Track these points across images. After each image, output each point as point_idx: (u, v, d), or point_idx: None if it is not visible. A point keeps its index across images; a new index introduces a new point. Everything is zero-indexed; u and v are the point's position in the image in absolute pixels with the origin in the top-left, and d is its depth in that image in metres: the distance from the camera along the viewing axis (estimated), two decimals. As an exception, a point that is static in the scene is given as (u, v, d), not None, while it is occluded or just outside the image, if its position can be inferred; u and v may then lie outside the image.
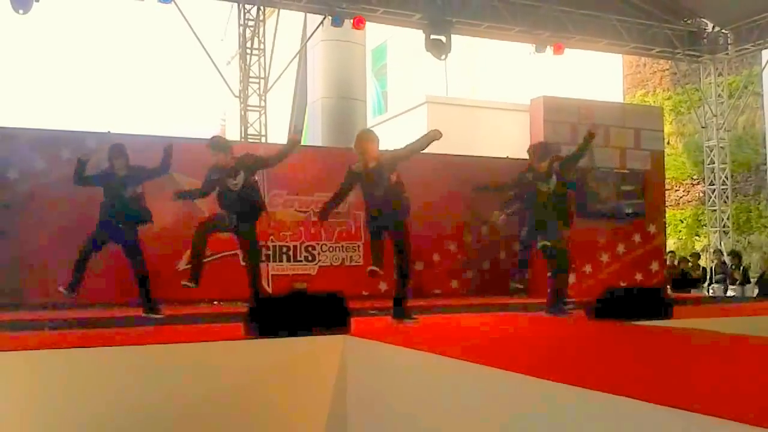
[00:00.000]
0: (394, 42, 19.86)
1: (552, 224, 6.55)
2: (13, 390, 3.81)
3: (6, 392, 3.78)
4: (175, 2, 10.52)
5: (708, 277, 13.24)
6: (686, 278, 12.53)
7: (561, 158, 6.89)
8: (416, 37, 12.51)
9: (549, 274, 6.81)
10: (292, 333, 4.53)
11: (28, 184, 8.48)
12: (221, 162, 6.54)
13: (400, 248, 5.87)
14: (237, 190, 6.48)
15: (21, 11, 9.56)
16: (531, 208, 6.58)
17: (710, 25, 14.33)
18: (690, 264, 13.12)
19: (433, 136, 5.65)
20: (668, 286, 11.70)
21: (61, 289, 6.67)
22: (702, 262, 13.54)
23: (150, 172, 6.89)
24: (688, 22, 14.27)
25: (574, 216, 6.97)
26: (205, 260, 6.78)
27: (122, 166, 6.81)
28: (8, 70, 8.47)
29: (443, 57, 12.30)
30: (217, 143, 6.70)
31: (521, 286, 7.27)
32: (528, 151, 6.84)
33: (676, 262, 13.02)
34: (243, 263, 6.84)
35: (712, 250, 14.10)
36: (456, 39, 12.32)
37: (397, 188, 5.84)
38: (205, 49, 11.18)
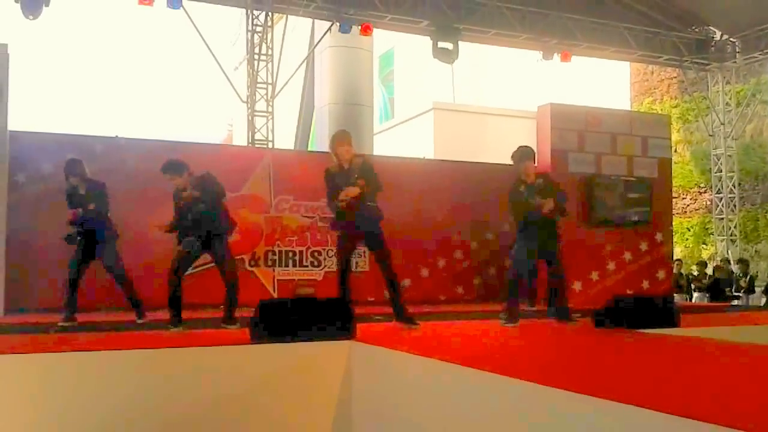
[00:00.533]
0: (401, 48, 19.90)
1: (551, 236, 6.48)
2: (23, 392, 3.82)
3: (16, 394, 3.79)
4: (183, 8, 10.57)
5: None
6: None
7: (549, 180, 6.78)
8: (423, 43, 12.53)
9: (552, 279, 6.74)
10: (298, 338, 4.54)
11: (36, 187, 8.51)
12: (179, 185, 6.30)
13: (382, 255, 5.98)
14: (199, 210, 6.23)
15: (31, 17, 9.63)
16: (529, 226, 6.42)
17: (718, 33, 14.32)
18: (696, 273, 13.07)
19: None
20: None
21: (60, 324, 6.43)
22: (708, 271, 13.47)
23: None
24: (696, 30, 14.25)
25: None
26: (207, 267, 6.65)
27: (79, 182, 6.76)
28: (19, 74, 8.57)
29: (450, 64, 12.32)
30: (168, 167, 6.33)
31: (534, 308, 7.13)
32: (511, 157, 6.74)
33: (681, 271, 12.97)
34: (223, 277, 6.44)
35: (718, 259, 14.04)
36: (463, 46, 12.33)
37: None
38: (213, 54, 11.23)
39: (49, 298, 8.04)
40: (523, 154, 6.59)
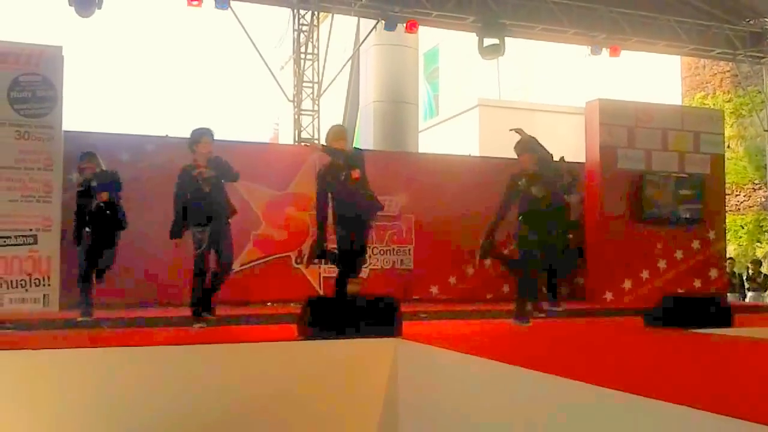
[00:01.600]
0: (446, 45, 19.81)
1: (550, 224, 6.31)
2: (69, 387, 3.91)
3: (55, 389, 3.88)
4: (231, 8, 10.70)
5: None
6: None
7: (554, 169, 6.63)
8: (469, 40, 12.45)
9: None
10: (345, 335, 4.56)
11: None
12: (194, 161, 6.35)
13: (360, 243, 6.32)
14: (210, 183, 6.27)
15: (84, 14, 9.85)
16: (526, 215, 6.21)
17: (773, 26, 13.91)
18: (751, 272, 12.75)
19: None
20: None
21: (79, 318, 6.65)
22: (763, 269, 13.13)
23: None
24: (751, 22, 13.84)
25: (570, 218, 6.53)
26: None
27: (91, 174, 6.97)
28: (73, 76, 8.84)
29: (496, 60, 12.23)
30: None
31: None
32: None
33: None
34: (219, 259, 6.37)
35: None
36: (509, 41, 12.21)
37: (361, 183, 6.23)
38: (260, 54, 11.34)
39: (100, 294, 8.25)
40: (524, 147, 6.38)
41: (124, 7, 21.87)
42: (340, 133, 6.47)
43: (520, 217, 6.25)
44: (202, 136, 6.32)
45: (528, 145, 6.34)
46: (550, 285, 8.44)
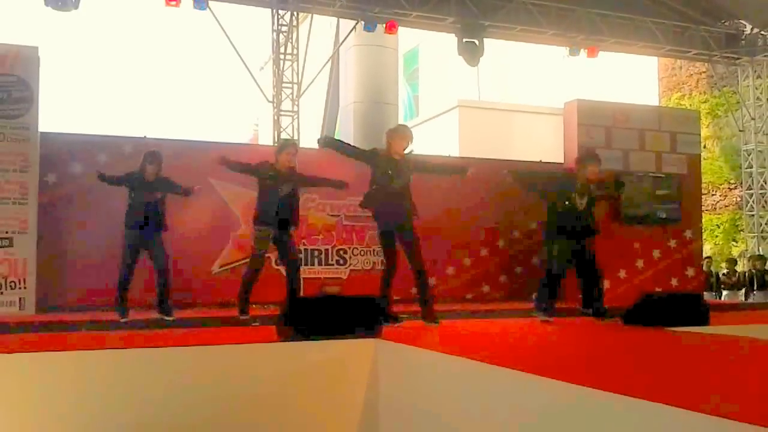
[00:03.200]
0: (426, 46, 19.85)
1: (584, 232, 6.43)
2: (52, 391, 3.87)
3: (46, 393, 3.85)
4: (210, 9, 10.65)
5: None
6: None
7: (602, 186, 6.76)
8: (448, 40, 12.49)
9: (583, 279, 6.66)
10: (325, 336, 4.55)
11: (66, 187, 8.65)
12: (288, 161, 6.98)
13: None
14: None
15: (59, 4, 9.73)
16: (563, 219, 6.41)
17: (749, 27, 14.08)
18: (726, 270, 12.91)
19: None
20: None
21: (122, 320, 6.80)
22: (738, 268, 13.28)
23: (175, 188, 7.03)
24: (726, 24, 14.03)
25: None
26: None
27: (153, 172, 6.93)
28: (49, 76, 8.73)
29: (476, 61, 12.27)
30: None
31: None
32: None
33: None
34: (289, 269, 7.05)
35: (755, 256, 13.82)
36: (489, 42, 12.27)
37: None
38: (239, 55, 11.29)
39: (80, 297, 8.18)
40: (585, 156, 6.66)
41: (102, 7, 21.67)
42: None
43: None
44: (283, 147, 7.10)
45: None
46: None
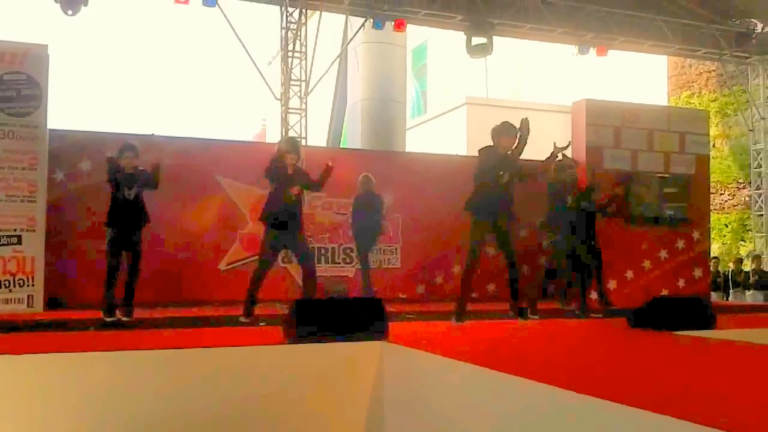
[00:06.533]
0: (434, 42, 19.81)
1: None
2: (53, 392, 3.89)
3: (49, 394, 3.87)
4: (218, 5, 10.65)
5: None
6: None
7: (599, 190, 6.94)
8: (457, 36, 12.46)
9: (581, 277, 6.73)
10: (330, 337, 4.55)
11: (74, 184, 8.69)
12: (292, 159, 6.97)
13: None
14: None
15: (69, 12, 9.78)
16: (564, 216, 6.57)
17: (760, 26, 13.97)
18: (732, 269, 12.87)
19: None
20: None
21: (123, 319, 6.69)
22: (745, 268, 13.24)
23: (145, 180, 6.86)
24: (737, 22, 13.92)
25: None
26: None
27: (129, 164, 6.84)
28: (58, 74, 8.80)
29: (485, 58, 12.25)
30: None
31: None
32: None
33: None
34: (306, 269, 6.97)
35: (752, 256, 13.77)
36: (498, 40, 12.24)
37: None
38: (248, 52, 11.28)
39: (88, 294, 8.21)
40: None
41: (111, 5, 21.72)
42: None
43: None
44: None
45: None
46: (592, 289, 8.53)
